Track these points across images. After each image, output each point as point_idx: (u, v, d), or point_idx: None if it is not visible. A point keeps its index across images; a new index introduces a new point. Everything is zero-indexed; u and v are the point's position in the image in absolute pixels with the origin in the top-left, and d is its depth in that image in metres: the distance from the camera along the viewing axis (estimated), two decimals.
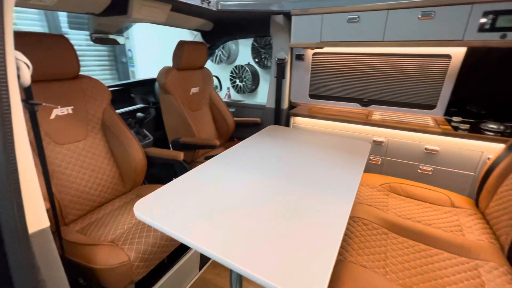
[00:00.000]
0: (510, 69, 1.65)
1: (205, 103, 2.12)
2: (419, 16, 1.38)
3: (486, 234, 1.07)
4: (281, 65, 2.02)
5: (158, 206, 0.77)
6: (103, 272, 0.93)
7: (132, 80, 2.23)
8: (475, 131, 1.54)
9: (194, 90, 2.00)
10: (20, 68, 0.54)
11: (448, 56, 1.67)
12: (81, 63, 1.26)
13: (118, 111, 1.82)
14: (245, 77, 3.15)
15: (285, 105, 2.16)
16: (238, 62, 3.19)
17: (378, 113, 1.95)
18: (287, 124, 2.18)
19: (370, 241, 1.01)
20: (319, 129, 1.97)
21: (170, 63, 1.90)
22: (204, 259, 1.54)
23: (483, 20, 1.28)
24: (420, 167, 1.66)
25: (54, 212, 0.86)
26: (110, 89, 1.47)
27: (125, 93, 2.12)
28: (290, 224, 0.70)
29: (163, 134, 2.25)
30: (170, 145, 1.90)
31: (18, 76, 0.54)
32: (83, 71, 2.09)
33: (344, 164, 1.10)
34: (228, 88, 3.24)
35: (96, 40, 1.76)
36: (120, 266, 0.94)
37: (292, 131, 1.52)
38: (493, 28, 1.26)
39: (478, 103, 1.78)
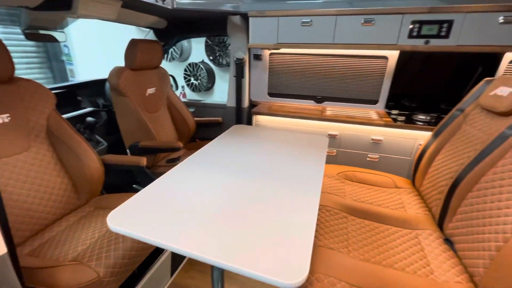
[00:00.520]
0: (432, 69, 1.98)
1: (162, 104, 2.04)
2: (362, 22, 1.56)
3: (422, 208, 1.28)
4: (239, 64, 2.06)
5: (131, 215, 0.74)
6: None
7: (77, 81, 2.01)
8: (409, 122, 1.81)
9: (150, 91, 1.91)
10: None
11: (385, 58, 1.92)
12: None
13: (64, 116, 1.64)
14: (200, 75, 3.10)
15: (245, 103, 2.20)
16: (192, 59, 3.11)
17: (330, 108, 2.14)
18: (248, 122, 2.23)
19: (334, 225, 1.13)
20: (280, 126, 2.08)
21: (116, 60, 1.78)
22: (175, 264, 1.51)
23: (411, 28, 1.51)
24: (369, 155, 1.89)
25: (7, 234, 0.76)
26: (53, 92, 1.32)
27: (70, 96, 1.90)
28: (266, 216, 0.75)
29: (117, 139, 2.09)
30: (128, 151, 1.79)
31: None
32: None
33: (308, 158, 1.20)
34: (183, 87, 3.15)
35: (29, 36, 1.55)
36: (90, 284, 0.88)
37: (256, 129, 1.58)
38: (419, 35, 1.50)
39: (409, 98, 2.09)
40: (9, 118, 1.12)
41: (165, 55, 2.97)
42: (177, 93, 3.11)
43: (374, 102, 2.08)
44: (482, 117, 1.20)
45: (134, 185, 1.87)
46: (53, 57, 3.71)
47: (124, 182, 1.84)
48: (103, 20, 1.53)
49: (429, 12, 1.46)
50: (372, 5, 1.53)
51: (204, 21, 2.12)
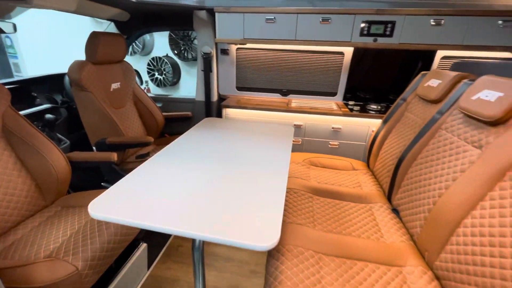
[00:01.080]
0: (382, 65, 2.22)
1: (128, 99, 1.99)
2: (320, 20, 1.70)
3: (375, 185, 1.48)
4: (207, 59, 2.09)
5: (112, 203, 0.77)
6: None
7: (31, 76, 1.86)
8: (363, 111, 2.02)
9: (114, 85, 1.85)
10: None
11: (342, 54, 2.11)
12: None
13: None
14: (165, 70, 3.02)
15: (214, 97, 2.24)
16: (155, 53, 3.02)
17: (295, 101, 2.29)
18: (218, 115, 2.28)
19: (301, 204, 1.26)
20: (249, 118, 2.16)
21: (71, 54, 1.69)
22: (151, 257, 1.52)
23: (362, 27, 1.69)
24: (330, 143, 2.07)
25: None
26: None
27: (23, 92, 1.76)
28: (239, 196, 0.83)
29: (80, 137, 2.00)
30: (94, 148, 1.73)
31: None
32: None
33: (276, 146, 1.30)
34: (147, 82, 3.05)
35: None
36: (68, 277, 0.88)
37: (226, 121, 1.64)
38: (368, 34, 1.69)
39: (364, 90, 2.32)
40: None
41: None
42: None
43: (333, 94, 2.27)
44: (419, 105, 1.42)
45: (102, 183, 1.81)
46: None
47: (90, 181, 1.78)
48: (61, 11, 1.45)
49: (376, 14, 1.66)
50: (329, 5, 1.68)
51: (169, 15, 2.10)
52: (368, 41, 1.71)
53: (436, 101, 1.28)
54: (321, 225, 1.15)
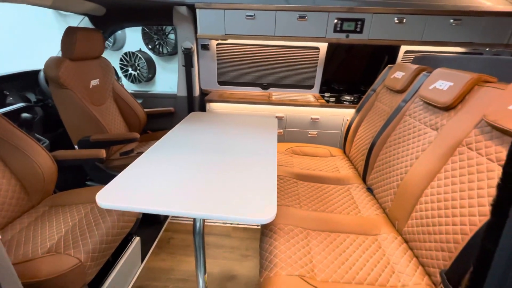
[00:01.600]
0: (353, 58, 2.40)
1: (108, 96, 1.96)
2: (297, 17, 1.80)
3: (351, 169, 1.64)
4: (188, 54, 2.11)
5: (117, 193, 0.81)
6: (53, 282, 0.88)
7: (1, 73, 1.75)
8: (338, 102, 2.19)
9: (94, 82, 1.82)
10: None
11: (317, 48, 2.24)
12: None
13: None
14: (139, 65, 2.94)
15: (196, 92, 2.27)
16: (127, 48, 2.93)
17: (276, 94, 2.39)
18: (201, 110, 2.32)
19: (287, 189, 1.38)
20: (232, 112, 2.23)
21: (36, 49, 1.62)
22: (144, 250, 1.56)
23: (335, 24, 1.83)
24: (309, 132, 2.22)
25: None
26: None
27: None
28: (235, 180, 0.89)
29: (58, 136, 1.94)
30: (76, 146, 1.70)
31: None
32: None
33: (263, 136, 1.38)
34: (120, 78, 2.97)
35: None
36: (73, 269, 0.91)
37: (212, 115, 1.70)
38: (341, 30, 1.83)
39: (337, 82, 2.49)
40: None
41: None
42: None
43: (311, 87, 2.41)
44: (387, 95, 1.60)
45: (87, 182, 1.79)
46: None
47: (72, 180, 1.75)
48: (36, 5, 1.39)
49: (347, 11, 1.80)
50: (305, 2, 1.79)
51: (147, 10, 2.07)
52: (341, 37, 1.86)
53: (401, 91, 1.45)
54: (306, 205, 1.27)
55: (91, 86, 1.78)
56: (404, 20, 1.82)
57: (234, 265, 1.52)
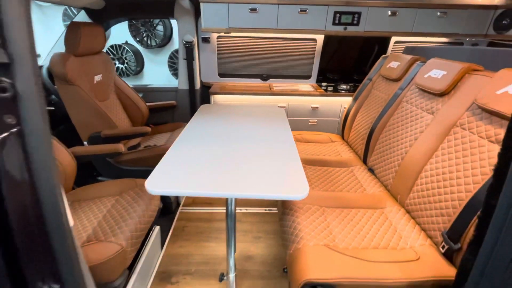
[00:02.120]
0: (345, 49, 2.53)
1: (111, 91, 1.97)
2: (299, 11, 1.88)
3: (351, 153, 1.79)
4: (189, 47, 2.13)
5: (163, 180, 0.88)
6: (101, 268, 0.95)
7: None
8: (336, 91, 2.31)
9: (97, 78, 1.82)
10: None
11: (314, 40, 2.34)
12: None
13: None
14: (126, 58, 2.88)
15: (197, 85, 2.31)
16: (113, 41, 2.85)
17: (276, 85, 2.48)
18: (203, 102, 2.36)
19: None
20: (236, 103, 2.29)
21: None
22: (163, 238, 1.64)
23: (334, 17, 1.93)
24: (310, 120, 2.34)
25: None
26: None
27: None
28: (265, 165, 0.99)
29: (63, 132, 1.93)
30: (86, 142, 1.72)
31: None
32: None
33: (276, 125, 1.43)
34: None
35: None
36: (117, 255, 0.98)
37: (223, 107, 1.74)
38: (339, 23, 1.94)
39: (333, 72, 2.61)
40: None
41: None
42: None
43: (308, 77, 2.52)
44: (383, 83, 1.74)
45: (98, 177, 1.82)
46: None
47: (79, 176, 1.78)
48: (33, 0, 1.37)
49: (345, 5, 1.90)
50: None
51: (147, 3, 2.06)
52: (339, 29, 1.96)
53: (397, 80, 1.59)
54: (317, 186, 1.40)
55: (95, 82, 1.78)
56: (397, 13, 1.95)
57: (249, 246, 1.64)
